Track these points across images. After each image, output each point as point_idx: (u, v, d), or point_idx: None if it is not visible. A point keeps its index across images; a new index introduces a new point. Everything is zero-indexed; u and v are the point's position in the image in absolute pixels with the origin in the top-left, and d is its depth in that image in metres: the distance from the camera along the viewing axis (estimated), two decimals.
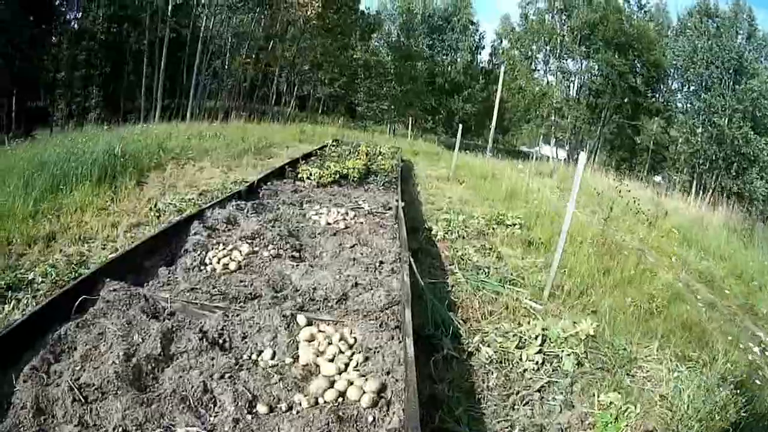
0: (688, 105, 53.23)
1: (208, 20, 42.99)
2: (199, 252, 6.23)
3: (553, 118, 56.52)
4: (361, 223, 8.69)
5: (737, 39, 50.60)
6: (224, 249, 6.45)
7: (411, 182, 15.61)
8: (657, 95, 57.80)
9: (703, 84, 50.22)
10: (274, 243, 6.81)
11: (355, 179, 12.36)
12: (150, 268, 5.82)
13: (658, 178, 54.59)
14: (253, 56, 44.97)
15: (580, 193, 18.71)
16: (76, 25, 44.10)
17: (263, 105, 50.56)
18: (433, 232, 9.66)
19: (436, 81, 64.62)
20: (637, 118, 56.36)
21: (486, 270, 7.91)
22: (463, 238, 9.66)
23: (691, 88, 53.10)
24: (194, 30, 41.43)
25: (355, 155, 16.29)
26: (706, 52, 49.05)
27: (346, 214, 8.94)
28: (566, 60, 57.03)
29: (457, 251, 8.70)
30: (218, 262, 6.09)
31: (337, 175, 12.20)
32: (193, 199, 10.23)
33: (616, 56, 51.75)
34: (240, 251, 6.45)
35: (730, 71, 48.42)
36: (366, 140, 25.24)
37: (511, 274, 7.96)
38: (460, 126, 19.20)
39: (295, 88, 56.00)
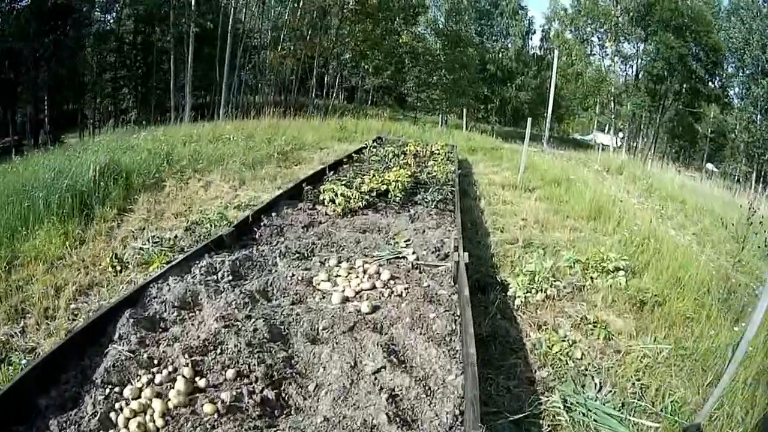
0: (745, 91, 49.33)
1: (238, 12, 40.67)
2: (109, 391, 3.60)
3: (612, 105, 53.02)
4: (400, 296, 5.53)
5: None
6: (148, 388, 3.66)
7: (471, 195, 12.27)
8: (715, 80, 54.24)
9: (760, 68, 46.42)
10: (240, 364, 3.93)
11: (398, 198, 9.09)
12: (46, 409, 3.46)
13: (710, 166, 52.75)
14: (292, 48, 42.00)
15: (663, 197, 16.55)
16: (102, 27, 43.40)
17: (309, 99, 48.56)
18: (509, 293, 6.53)
19: (488, 68, 61.91)
20: (697, 105, 52.75)
21: (599, 381, 4.91)
22: (553, 299, 6.50)
23: (747, 72, 49.47)
24: (224, 24, 38.87)
25: (401, 158, 13.26)
26: (761, 34, 45.50)
27: (378, 275, 5.88)
28: (623, 43, 53.21)
29: (547, 332, 5.73)
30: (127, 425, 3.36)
31: (374, 194, 9.11)
32: (173, 238, 7.81)
33: (674, 39, 48.08)
34: (164, 400, 3.58)
35: None
36: (415, 136, 22.51)
37: (632, 382, 5.01)
38: (528, 121, 15.50)
39: (338, 80, 54.12)
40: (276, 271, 5.92)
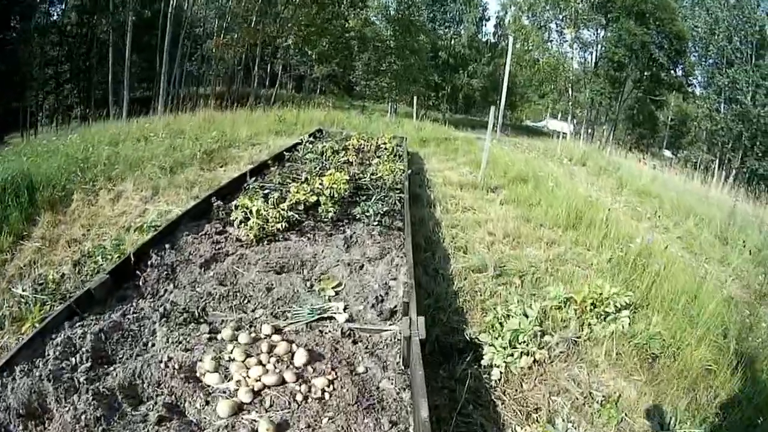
0: (710, 80, 48.67)
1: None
2: None
3: (570, 92, 51.80)
4: (320, 400, 3.47)
5: (758, 11, 45.59)
6: None
7: (424, 200, 10.36)
8: (677, 69, 53.33)
9: (725, 58, 45.80)
10: None
11: (330, 214, 7.10)
12: None
13: (667, 153, 53.58)
14: (236, 36, 39.51)
15: (636, 192, 15.21)
16: (45, 20, 40.87)
17: (260, 89, 46.85)
18: (483, 362, 4.66)
19: (440, 55, 60.77)
20: (659, 93, 52.11)
21: None
22: (543, 363, 4.70)
23: (710, 61, 48.96)
24: (164, 12, 36.44)
25: (341, 156, 11.38)
26: (728, 24, 44.84)
27: (290, 356, 3.91)
28: (582, 30, 51.91)
29: (541, 424, 4.10)
30: None
31: (300, 208, 7.23)
32: (60, 278, 6.20)
33: (637, 25, 46.95)
34: None
35: (753, 45, 44.21)
36: (360, 127, 20.73)
37: None
38: (492, 110, 13.40)
39: (287, 70, 52.41)
40: (153, 347, 4.03)
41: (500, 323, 4.94)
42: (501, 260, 7.24)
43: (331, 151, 11.56)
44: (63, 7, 42.72)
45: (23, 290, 5.72)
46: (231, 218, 6.63)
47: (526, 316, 4.91)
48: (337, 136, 15.34)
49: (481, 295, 6.10)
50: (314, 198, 7.22)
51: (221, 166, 12.34)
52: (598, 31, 51.09)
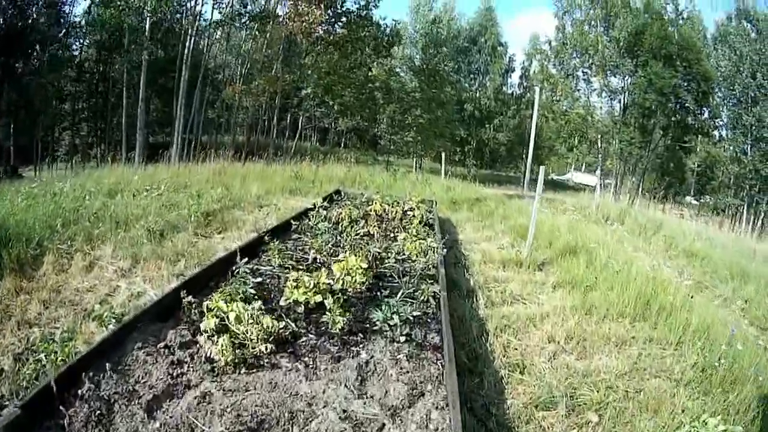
0: (736, 121, 46.67)
1: (198, 43, 37.66)
2: None
3: (599, 143, 49.96)
4: None
5: None
6: None
7: (461, 287, 8.38)
8: (703, 111, 51.22)
9: (751, 96, 44.26)
10: None
11: (340, 323, 5.02)
12: None
13: (689, 199, 53.14)
14: (254, 83, 37.97)
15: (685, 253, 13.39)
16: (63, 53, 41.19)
17: (282, 140, 45.89)
18: None
19: (465, 108, 59.71)
20: (687, 139, 50.38)
21: None
22: None
23: (734, 101, 47.10)
24: (181, 54, 35.47)
25: (360, 225, 9.47)
26: (751, 60, 43.53)
27: None
28: (610, 77, 49.97)
29: None
30: None
31: (300, 311, 5.35)
32: None
33: (665, 68, 44.89)
34: None
35: None
36: (385, 186, 19.19)
37: None
38: (542, 170, 11.41)
39: (311, 121, 51.49)
40: None
41: None
42: (569, 383, 5.42)
43: (348, 221, 9.61)
44: (83, 41, 42.79)
45: None
46: (202, 325, 4.73)
47: None
48: (357, 198, 13.45)
49: None
50: (319, 298, 5.30)
51: (219, 232, 10.67)
52: (626, 78, 49.07)
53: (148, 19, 33.62)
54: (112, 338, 4.61)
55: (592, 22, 48.61)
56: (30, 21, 36.32)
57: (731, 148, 46.18)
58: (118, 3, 33.04)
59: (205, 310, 4.83)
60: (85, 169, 35.31)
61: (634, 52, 46.11)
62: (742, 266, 14.09)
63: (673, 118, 48.22)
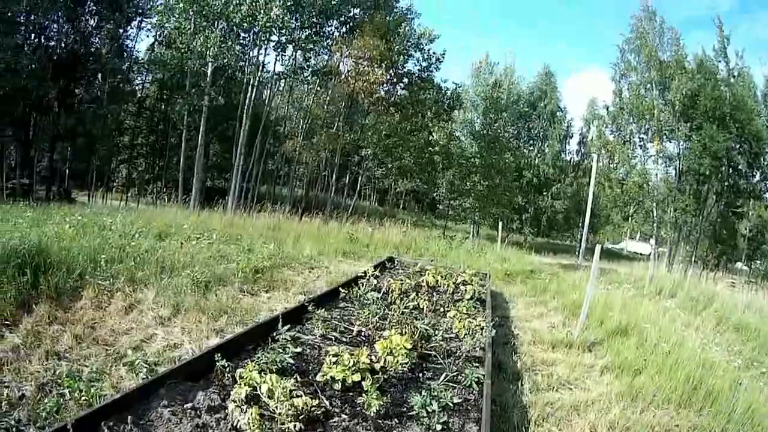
0: None
1: (260, 94, 38.09)
2: None
3: (654, 212, 48.29)
4: None
5: None
6: None
7: (508, 369, 8.05)
8: (755, 173, 49.33)
9: None
10: None
11: (375, 406, 4.75)
12: None
13: (739, 265, 51.63)
14: (314, 139, 38.26)
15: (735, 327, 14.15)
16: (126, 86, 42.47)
17: (341, 198, 46.09)
18: None
19: (524, 175, 59.32)
20: (740, 204, 48.79)
21: None
22: None
23: None
24: (244, 102, 35.89)
25: (410, 297, 9.08)
26: None
27: None
28: (666, 141, 48.60)
29: None
30: None
31: (337, 388, 5.12)
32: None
33: (719, 131, 43.53)
34: None
35: None
36: (440, 253, 19.28)
37: None
38: (597, 249, 11.16)
39: (371, 181, 51.72)
40: None
41: None
42: None
43: (398, 292, 9.30)
44: (145, 77, 44.31)
45: None
46: (233, 393, 4.53)
47: None
48: (410, 267, 13.25)
49: None
50: (357, 377, 5.06)
51: (266, 291, 10.51)
52: (680, 143, 47.53)
53: (210, 64, 34.09)
54: (140, 390, 4.53)
55: (648, 86, 47.79)
56: (93, 49, 37.24)
57: None
58: (180, 45, 33.89)
59: (238, 377, 4.66)
60: (138, 204, 36.14)
61: (689, 115, 45.30)
62: None
63: (725, 183, 47.35)
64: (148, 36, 42.98)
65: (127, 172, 46.84)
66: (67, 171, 39.88)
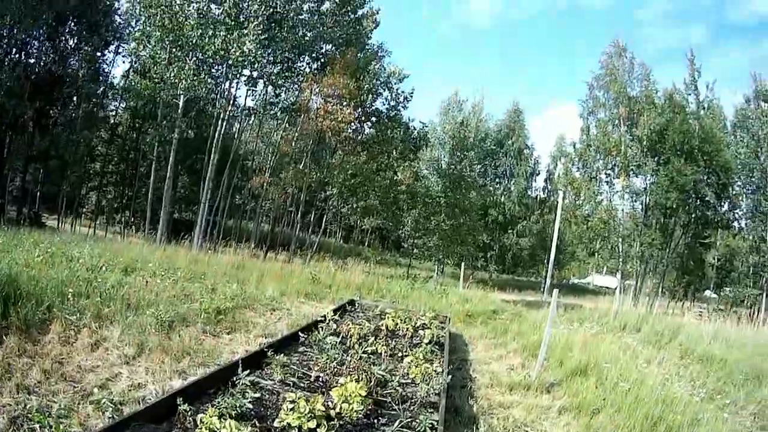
0: (755, 209, 46.68)
1: (230, 128, 38.34)
2: None
3: (620, 247, 48.44)
4: None
5: None
6: None
7: (464, 415, 8.03)
8: (723, 203, 50.27)
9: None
10: None
11: None
12: None
13: (710, 294, 52.46)
14: (280, 176, 38.52)
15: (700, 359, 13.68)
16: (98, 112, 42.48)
17: (307, 234, 46.18)
18: None
19: (489, 213, 60.55)
20: (707, 234, 49.92)
21: None
22: None
23: (753, 188, 47.25)
24: (213, 135, 36.00)
25: (369, 342, 9.21)
26: None
27: None
28: (633, 177, 48.85)
29: None
30: None
31: None
32: None
33: (687, 164, 44.14)
34: None
35: None
36: (402, 294, 19.48)
37: None
38: (555, 293, 11.26)
39: (337, 217, 51.99)
40: None
41: None
42: None
43: (357, 337, 9.43)
44: (118, 104, 44.73)
45: None
46: None
47: None
48: (371, 310, 13.32)
49: None
50: (312, 424, 5.26)
51: (228, 333, 10.59)
52: (647, 178, 47.99)
53: (182, 96, 34.17)
54: (106, 431, 4.64)
55: (616, 122, 48.26)
56: (70, 71, 37.30)
57: (750, 237, 46.32)
58: (154, 75, 34.07)
59: (199, 422, 4.84)
60: (107, 233, 35.96)
61: (657, 150, 45.85)
62: (758, 366, 14.15)
63: (693, 215, 47.85)
64: (124, 62, 43.46)
65: (97, 199, 46.77)
66: (38, 194, 39.90)
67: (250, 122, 43.72)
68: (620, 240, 47.46)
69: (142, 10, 34.66)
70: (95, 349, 8.09)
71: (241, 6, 33.95)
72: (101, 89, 40.76)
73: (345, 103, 35.77)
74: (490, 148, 62.41)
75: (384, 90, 42.46)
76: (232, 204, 40.65)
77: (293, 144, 38.62)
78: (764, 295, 43.43)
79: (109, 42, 39.77)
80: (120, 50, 41.02)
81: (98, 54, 39.19)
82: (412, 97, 42.87)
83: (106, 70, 41.48)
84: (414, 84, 60.26)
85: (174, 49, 33.23)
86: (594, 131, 49.79)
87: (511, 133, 65.12)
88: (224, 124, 36.37)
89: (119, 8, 40.88)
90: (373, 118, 41.92)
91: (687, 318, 26.78)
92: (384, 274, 24.41)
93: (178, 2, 33.00)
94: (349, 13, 41.44)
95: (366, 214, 49.00)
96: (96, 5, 37.33)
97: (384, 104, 42.59)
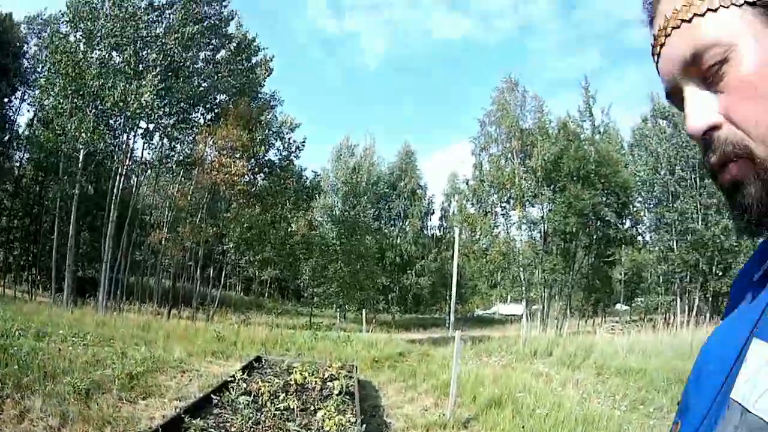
0: (659, 222, 48.06)
1: (127, 178, 37.91)
2: None
3: (522, 276, 48.64)
4: None
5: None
6: None
7: None
8: (625, 221, 52.32)
9: (671, 192, 45.38)
10: None
11: None
12: None
13: (621, 306, 54.43)
14: (177, 231, 37.91)
15: (617, 372, 14.09)
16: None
17: (207, 288, 45.64)
18: None
19: (386, 255, 60.85)
20: (610, 253, 51.01)
21: None
22: None
23: (655, 201, 48.65)
24: (112, 191, 35.44)
25: (280, 399, 9.42)
26: (668, 156, 45.13)
27: None
28: (529, 207, 49.64)
29: None
30: None
31: None
32: None
33: (584, 189, 44.72)
34: None
35: (695, 170, 43.67)
36: (306, 347, 19.61)
37: None
38: (457, 335, 12.05)
39: (235, 269, 51.70)
40: None
41: None
42: None
43: (268, 394, 9.67)
44: (23, 155, 42.72)
45: None
46: None
47: None
48: (278, 365, 13.53)
49: None
50: None
51: (143, 398, 10.72)
52: (545, 206, 48.32)
53: (82, 149, 33.77)
54: None
55: (509, 155, 48.87)
56: None
57: (657, 248, 47.21)
58: (56, 126, 33.44)
59: None
60: (15, 292, 34.78)
61: (552, 179, 46.68)
62: (680, 369, 14.52)
63: (594, 236, 48.81)
64: (29, 111, 42.14)
65: (4, 257, 44.96)
66: None
67: (147, 175, 43.32)
68: (521, 269, 48.00)
69: (48, 55, 34.30)
70: (21, 420, 8.14)
71: (141, 55, 34.01)
72: (6, 137, 39.79)
73: (238, 155, 36.02)
74: (383, 191, 62.97)
75: (276, 140, 43.06)
76: (132, 261, 40.05)
77: (189, 198, 38.35)
78: (678, 299, 44.71)
79: (15, 88, 38.96)
80: (25, 97, 40.29)
81: (5, 100, 38.30)
82: (304, 146, 43.55)
83: (12, 118, 40.68)
84: (305, 130, 60.65)
85: (75, 99, 32.89)
86: (487, 166, 50.39)
87: (403, 174, 66.10)
88: (122, 178, 35.72)
89: (27, 51, 40.37)
90: (266, 170, 42.27)
91: (600, 334, 27.59)
92: (287, 325, 24.60)
93: (81, 49, 32.95)
94: (243, 61, 42.09)
95: (264, 266, 49.02)
96: (6, 48, 36.67)
97: (276, 155, 43.20)
